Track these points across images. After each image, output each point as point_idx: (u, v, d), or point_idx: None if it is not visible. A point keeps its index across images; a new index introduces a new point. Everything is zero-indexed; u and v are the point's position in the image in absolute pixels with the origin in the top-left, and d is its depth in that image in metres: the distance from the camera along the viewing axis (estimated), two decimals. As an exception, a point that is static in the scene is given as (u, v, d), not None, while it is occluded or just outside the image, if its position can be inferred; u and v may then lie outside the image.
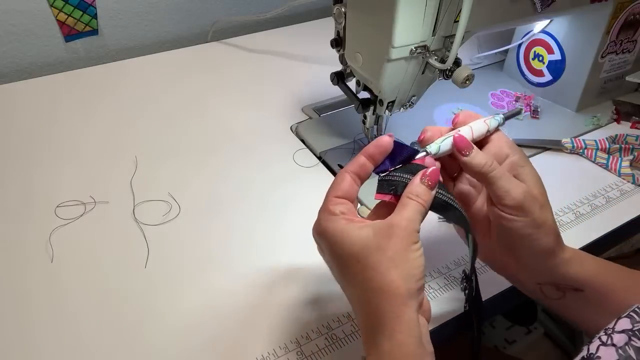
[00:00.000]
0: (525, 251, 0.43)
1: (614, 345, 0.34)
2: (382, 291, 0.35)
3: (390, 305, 0.35)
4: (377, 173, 0.41)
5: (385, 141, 0.40)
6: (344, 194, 0.40)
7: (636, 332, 0.34)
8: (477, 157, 0.41)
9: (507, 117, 0.45)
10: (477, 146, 0.42)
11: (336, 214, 0.38)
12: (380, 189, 0.40)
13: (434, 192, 0.39)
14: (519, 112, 0.49)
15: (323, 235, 0.38)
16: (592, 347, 0.35)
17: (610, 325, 0.35)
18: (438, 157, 0.42)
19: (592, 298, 0.43)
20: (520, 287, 0.47)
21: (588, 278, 0.43)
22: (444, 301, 0.51)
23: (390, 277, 0.35)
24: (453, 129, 0.44)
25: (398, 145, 0.41)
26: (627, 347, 0.33)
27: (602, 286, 0.43)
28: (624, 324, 0.35)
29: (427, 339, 0.37)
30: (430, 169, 0.39)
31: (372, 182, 0.41)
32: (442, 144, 0.42)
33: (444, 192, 0.40)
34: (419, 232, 0.37)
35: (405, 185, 0.39)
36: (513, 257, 0.44)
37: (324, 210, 0.39)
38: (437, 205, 0.39)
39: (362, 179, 0.41)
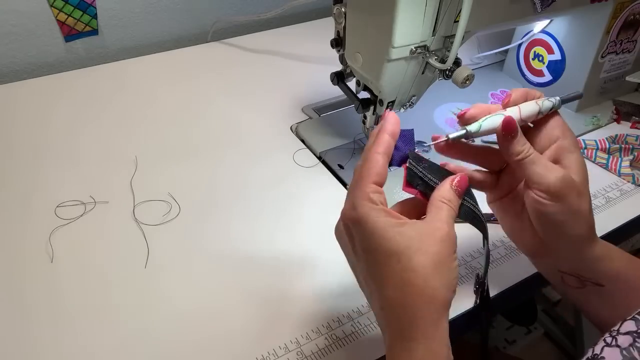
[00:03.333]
0: (556, 237, 0.42)
1: (618, 346, 0.34)
2: (422, 296, 0.34)
3: (430, 312, 0.34)
4: (398, 162, 0.40)
5: (394, 117, 0.38)
6: (378, 180, 0.36)
7: None
8: (514, 145, 0.40)
9: (565, 101, 0.44)
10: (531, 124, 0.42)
11: (376, 203, 0.35)
12: (411, 181, 0.39)
13: (461, 200, 0.38)
14: (580, 96, 0.46)
15: (361, 224, 0.35)
16: (597, 349, 0.35)
17: (615, 327, 0.35)
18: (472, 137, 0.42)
19: (611, 294, 0.43)
20: (542, 270, 0.47)
21: (613, 276, 0.43)
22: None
23: (433, 283, 0.34)
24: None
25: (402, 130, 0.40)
26: (631, 348, 0.33)
27: (624, 284, 0.42)
28: (629, 325, 0.35)
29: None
30: (459, 176, 0.38)
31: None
32: (484, 122, 0.41)
33: (468, 199, 0.39)
34: None
35: (429, 186, 0.38)
36: (542, 241, 0.43)
37: (363, 196, 0.35)
38: (464, 214, 0.39)
39: (387, 161, 0.38)
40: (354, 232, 0.36)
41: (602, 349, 0.34)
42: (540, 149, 0.43)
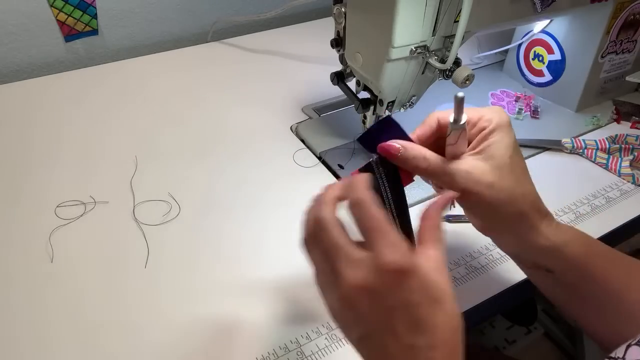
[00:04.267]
0: (489, 226, 0.43)
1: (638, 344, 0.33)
2: (459, 339, 0.33)
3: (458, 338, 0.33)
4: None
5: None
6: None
7: None
8: (408, 154, 0.40)
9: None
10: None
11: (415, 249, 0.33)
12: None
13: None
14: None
15: (412, 274, 0.31)
16: (633, 353, 0.33)
17: (620, 355, 0.34)
18: None
19: (564, 281, 0.42)
20: (504, 251, 0.47)
21: (565, 265, 0.41)
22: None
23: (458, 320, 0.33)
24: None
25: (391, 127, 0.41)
26: None
27: (578, 273, 0.41)
28: (635, 353, 0.33)
29: None
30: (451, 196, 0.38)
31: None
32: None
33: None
34: None
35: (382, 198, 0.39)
36: (486, 223, 0.43)
37: (400, 243, 0.32)
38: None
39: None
40: (404, 285, 0.32)
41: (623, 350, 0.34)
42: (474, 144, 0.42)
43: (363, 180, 0.35)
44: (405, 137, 0.42)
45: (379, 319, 0.33)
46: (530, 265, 0.45)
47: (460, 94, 0.38)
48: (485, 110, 0.42)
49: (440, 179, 0.41)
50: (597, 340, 0.44)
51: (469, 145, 0.42)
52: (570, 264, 0.41)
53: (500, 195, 0.39)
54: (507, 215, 0.40)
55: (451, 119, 0.40)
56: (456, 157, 0.41)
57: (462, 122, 0.40)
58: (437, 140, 0.43)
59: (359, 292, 0.32)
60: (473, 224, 0.46)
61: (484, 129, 0.41)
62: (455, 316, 0.33)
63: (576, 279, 0.42)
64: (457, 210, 0.57)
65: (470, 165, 0.40)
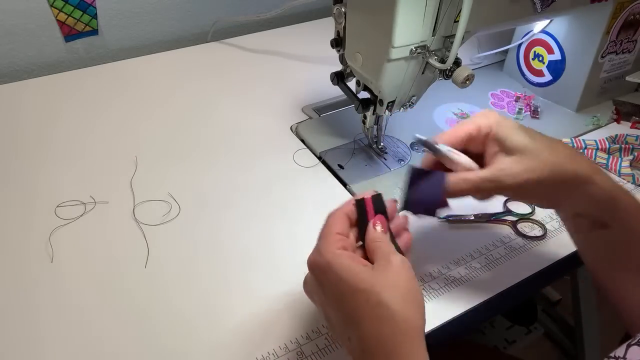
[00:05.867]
0: (539, 196, 0.45)
1: None
2: (397, 329, 0.35)
3: (406, 344, 0.35)
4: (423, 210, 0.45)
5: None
6: (342, 231, 0.40)
7: None
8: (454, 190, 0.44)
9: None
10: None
11: (340, 249, 0.38)
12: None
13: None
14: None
15: (327, 270, 0.37)
16: (633, 352, 0.34)
17: (620, 354, 0.35)
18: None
19: (615, 241, 0.44)
20: (559, 216, 0.49)
21: (618, 219, 0.43)
22: (444, 301, 0.51)
23: (405, 314, 0.35)
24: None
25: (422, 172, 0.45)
26: None
27: (629, 232, 0.43)
28: (636, 353, 0.34)
29: None
30: (378, 220, 0.41)
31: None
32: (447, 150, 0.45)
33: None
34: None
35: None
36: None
37: (327, 245, 0.39)
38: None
39: (349, 221, 0.42)
40: (322, 280, 0.38)
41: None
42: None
43: (345, 206, 0.42)
44: (438, 176, 0.44)
45: (322, 306, 0.40)
46: (589, 225, 0.45)
47: (418, 137, 0.43)
48: (477, 119, 0.45)
49: (487, 190, 0.43)
50: (630, 319, 0.45)
51: (485, 153, 0.45)
52: (624, 216, 0.43)
53: (545, 169, 0.42)
54: (563, 180, 0.42)
55: (437, 154, 0.44)
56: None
57: (442, 150, 0.44)
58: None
59: (305, 288, 0.42)
60: (538, 206, 0.51)
61: (487, 134, 0.44)
62: (379, 306, 0.35)
63: (627, 238, 0.44)
64: (457, 210, 0.57)
65: (501, 165, 0.42)
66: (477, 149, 0.45)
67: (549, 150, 0.42)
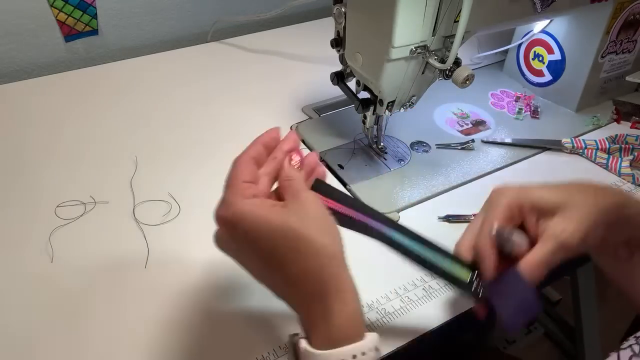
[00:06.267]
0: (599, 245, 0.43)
1: None
2: (320, 256, 0.35)
3: (337, 266, 0.36)
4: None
5: (293, 136, 0.43)
6: (250, 178, 0.39)
7: None
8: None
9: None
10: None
11: (249, 197, 0.37)
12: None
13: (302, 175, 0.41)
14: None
15: (237, 222, 0.36)
16: (623, 356, 0.35)
17: None
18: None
19: None
20: (596, 258, 0.48)
21: None
22: (443, 301, 0.51)
23: (324, 241, 0.35)
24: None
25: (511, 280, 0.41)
26: None
27: None
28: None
29: None
30: (296, 155, 0.41)
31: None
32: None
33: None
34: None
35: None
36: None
37: (234, 196, 0.37)
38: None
39: (261, 163, 0.42)
40: (234, 233, 0.37)
41: (629, 358, 0.35)
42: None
43: (250, 150, 0.42)
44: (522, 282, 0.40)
45: (240, 259, 0.39)
46: (629, 253, 0.45)
47: (494, 232, 0.42)
48: (500, 201, 0.44)
49: (558, 261, 0.41)
50: None
51: (527, 228, 0.43)
52: None
53: (591, 213, 0.41)
54: (608, 214, 0.41)
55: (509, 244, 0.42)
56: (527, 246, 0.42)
57: (512, 240, 0.41)
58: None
59: (218, 244, 0.40)
60: (594, 254, 0.48)
61: (520, 208, 0.43)
62: (298, 239, 0.35)
63: None
64: (457, 210, 0.57)
65: (555, 228, 0.41)
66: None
67: (581, 194, 0.42)
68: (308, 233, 0.35)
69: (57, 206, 0.60)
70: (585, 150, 0.70)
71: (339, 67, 0.66)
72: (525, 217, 0.43)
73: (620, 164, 0.67)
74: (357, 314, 0.36)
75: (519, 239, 0.42)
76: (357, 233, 0.41)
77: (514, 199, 0.43)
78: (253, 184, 0.39)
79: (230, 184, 0.39)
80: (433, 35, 0.54)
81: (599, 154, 0.69)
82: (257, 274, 0.39)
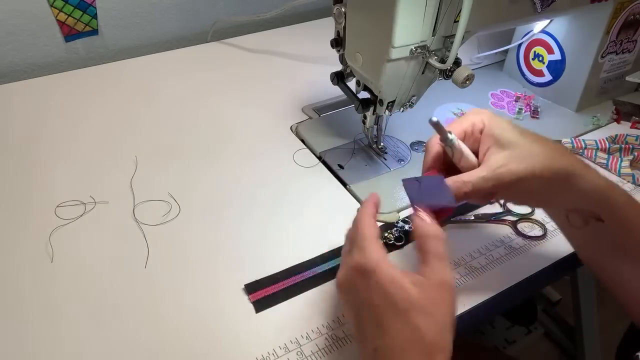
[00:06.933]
0: (540, 199, 0.46)
1: None
2: (427, 354, 0.35)
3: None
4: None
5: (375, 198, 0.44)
6: (378, 236, 0.40)
7: None
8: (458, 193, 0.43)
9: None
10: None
11: (385, 256, 0.38)
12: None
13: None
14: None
15: (371, 275, 0.37)
16: None
17: None
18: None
19: (610, 233, 0.45)
20: (550, 214, 0.51)
21: (611, 211, 0.44)
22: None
23: (439, 341, 0.35)
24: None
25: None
26: None
27: (622, 222, 0.44)
28: None
29: None
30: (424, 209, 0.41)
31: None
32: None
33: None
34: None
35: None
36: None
37: (373, 250, 0.38)
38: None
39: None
40: (363, 284, 0.38)
41: None
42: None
43: (368, 204, 0.43)
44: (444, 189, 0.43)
45: (352, 316, 0.39)
46: (582, 221, 0.46)
47: (434, 119, 0.42)
48: (470, 116, 0.46)
49: (487, 189, 0.43)
50: (633, 309, 0.46)
51: (478, 150, 0.45)
52: (615, 211, 0.44)
53: (537, 162, 0.42)
54: (555, 174, 0.42)
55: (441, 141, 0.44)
56: (474, 166, 0.44)
57: (451, 139, 0.43)
58: (449, 163, 0.46)
59: (339, 287, 0.41)
60: (531, 206, 0.52)
61: (481, 130, 0.45)
62: (417, 330, 0.35)
63: (621, 229, 0.44)
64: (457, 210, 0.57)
65: (497, 160, 0.43)
66: (471, 147, 0.46)
67: (539, 145, 0.43)
68: (426, 329, 0.35)
69: (57, 206, 0.60)
70: (585, 150, 0.70)
71: (339, 67, 0.66)
72: (482, 140, 0.45)
73: (620, 164, 0.67)
74: None
75: (459, 146, 0.44)
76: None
77: (479, 122, 0.45)
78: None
79: (366, 236, 0.40)
80: (433, 35, 0.54)
81: (599, 154, 0.69)
82: (361, 331, 0.39)
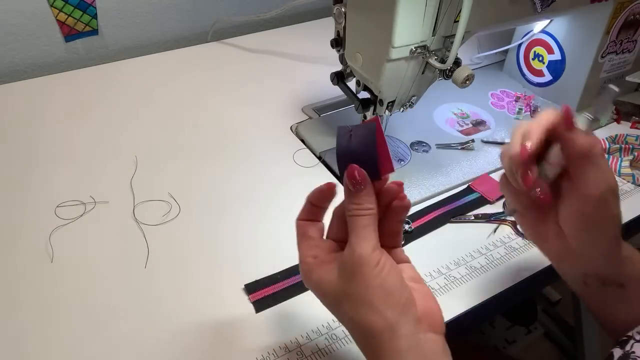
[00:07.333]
0: (589, 241, 0.41)
1: None
2: (369, 334, 0.35)
3: (382, 342, 0.34)
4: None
5: (328, 186, 0.39)
6: (313, 239, 0.40)
7: None
8: (582, 137, 0.38)
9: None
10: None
11: (310, 262, 0.38)
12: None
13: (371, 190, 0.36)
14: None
15: (310, 287, 0.39)
16: (627, 346, 0.35)
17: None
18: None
19: (630, 296, 0.43)
20: (564, 273, 0.46)
21: (635, 277, 0.43)
22: (444, 301, 0.51)
23: (369, 318, 0.34)
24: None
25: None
26: None
27: None
28: None
29: (438, 349, 0.35)
30: (355, 171, 0.36)
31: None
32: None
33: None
34: (379, 248, 0.35)
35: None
36: (569, 245, 0.42)
37: (301, 263, 0.39)
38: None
39: (318, 217, 0.41)
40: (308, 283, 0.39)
41: (632, 345, 0.36)
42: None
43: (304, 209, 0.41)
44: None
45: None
46: (596, 284, 0.44)
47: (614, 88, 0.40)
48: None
49: (591, 176, 0.39)
50: None
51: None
52: (638, 276, 0.42)
53: (618, 209, 0.40)
54: (609, 230, 0.41)
55: (590, 115, 0.41)
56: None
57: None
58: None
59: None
60: (546, 249, 0.45)
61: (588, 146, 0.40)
62: (350, 319, 0.36)
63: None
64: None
65: (609, 177, 0.40)
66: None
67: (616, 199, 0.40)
68: (353, 312, 0.35)
69: (57, 206, 0.60)
70: (585, 150, 0.69)
71: (339, 67, 0.66)
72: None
73: (620, 164, 0.67)
74: None
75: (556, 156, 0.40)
76: None
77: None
78: (315, 241, 0.39)
79: (299, 251, 0.40)
80: (433, 35, 0.54)
81: (599, 154, 0.69)
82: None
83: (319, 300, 0.39)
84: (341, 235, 0.39)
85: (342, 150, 0.37)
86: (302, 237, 0.40)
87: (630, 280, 0.43)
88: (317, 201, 0.40)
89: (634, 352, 0.35)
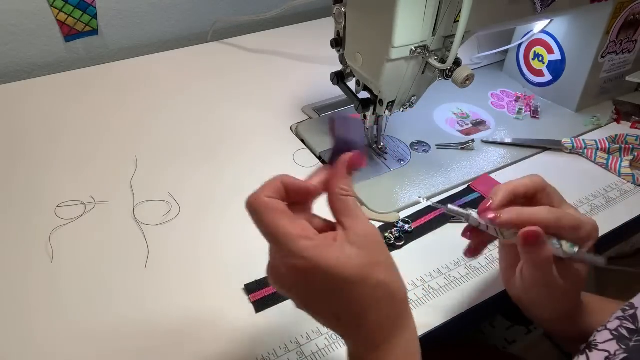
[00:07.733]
0: (540, 295, 0.45)
1: (607, 329, 0.38)
2: (400, 298, 0.36)
3: (406, 308, 0.37)
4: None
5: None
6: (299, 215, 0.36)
7: (627, 317, 0.38)
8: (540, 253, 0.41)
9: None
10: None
11: (314, 238, 0.34)
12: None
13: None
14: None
15: (315, 272, 0.33)
16: (590, 338, 0.39)
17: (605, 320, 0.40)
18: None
19: (585, 322, 0.47)
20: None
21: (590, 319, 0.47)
22: (443, 301, 0.51)
23: (399, 283, 0.36)
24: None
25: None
26: (619, 328, 0.38)
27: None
28: (617, 313, 0.39)
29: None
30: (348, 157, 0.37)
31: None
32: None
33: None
34: None
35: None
36: (529, 290, 0.45)
37: (298, 240, 0.33)
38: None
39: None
40: (309, 281, 0.34)
41: (594, 335, 0.39)
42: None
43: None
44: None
45: (306, 310, 0.37)
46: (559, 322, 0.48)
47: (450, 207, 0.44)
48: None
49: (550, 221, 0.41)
50: None
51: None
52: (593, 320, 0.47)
53: (593, 229, 0.43)
54: (552, 283, 0.42)
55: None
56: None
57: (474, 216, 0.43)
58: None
59: (277, 284, 0.39)
60: (510, 290, 0.48)
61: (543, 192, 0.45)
62: (377, 287, 0.34)
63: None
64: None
65: (569, 210, 0.45)
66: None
67: None
68: (386, 279, 0.34)
69: (57, 206, 0.60)
70: (585, 150, 0.70)
71: (339, 67, 0.66)
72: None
73: (620, 164, 0.67)
74: (415, 351, 0.37)
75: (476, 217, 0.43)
76: None
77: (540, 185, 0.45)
78: (302, 219, 0.36)
79: (283, 234, 0.35)
80: (433, 35, 0.54)
81: (599, 154, 0.69)
82: (325, 316, 0.36)
83: (321, 288, 0.34)
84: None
85: (340, 138, 0.39)
86: (277, 215, 0.36)
87: (585, 318, 0.47)
88: (296, 195, 0.37)
89: (595, 340, 0.38)
